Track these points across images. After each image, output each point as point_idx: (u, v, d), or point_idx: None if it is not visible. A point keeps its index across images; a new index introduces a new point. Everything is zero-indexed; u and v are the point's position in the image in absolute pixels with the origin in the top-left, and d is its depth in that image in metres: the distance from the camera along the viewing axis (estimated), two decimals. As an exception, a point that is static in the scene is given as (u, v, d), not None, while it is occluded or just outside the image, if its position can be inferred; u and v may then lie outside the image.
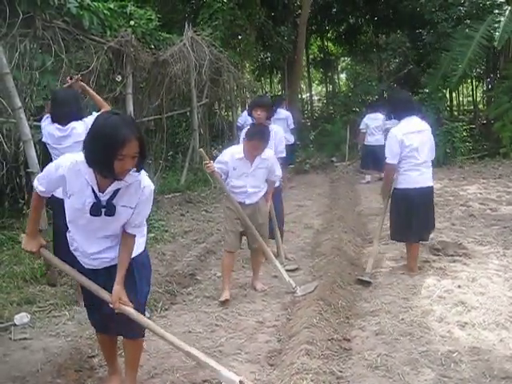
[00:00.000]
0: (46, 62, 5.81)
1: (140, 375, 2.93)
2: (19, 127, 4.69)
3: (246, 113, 6.60)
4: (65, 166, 2.40)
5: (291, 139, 9.35)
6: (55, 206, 3.82)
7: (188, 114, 10.35)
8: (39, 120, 4.40)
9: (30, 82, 5.68)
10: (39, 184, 2.53)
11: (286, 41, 15.61)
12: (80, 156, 2.37)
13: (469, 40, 11.97)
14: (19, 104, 4.64)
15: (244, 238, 4.52)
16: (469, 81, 17.85)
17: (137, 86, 8.33)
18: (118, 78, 7.45)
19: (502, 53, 13.12)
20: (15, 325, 3.63)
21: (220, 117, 11.76)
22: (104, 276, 2.59)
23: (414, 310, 3.70)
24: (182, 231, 6.56)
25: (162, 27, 9.29)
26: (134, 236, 2.56)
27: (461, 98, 22.37)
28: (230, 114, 12.16)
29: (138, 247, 2.63)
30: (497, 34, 11.58)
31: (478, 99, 19.47)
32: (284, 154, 5.27)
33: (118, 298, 2.49)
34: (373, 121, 10.31)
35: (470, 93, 21.03)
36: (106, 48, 6.95)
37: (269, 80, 22.77)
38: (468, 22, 13.08)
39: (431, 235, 5.01)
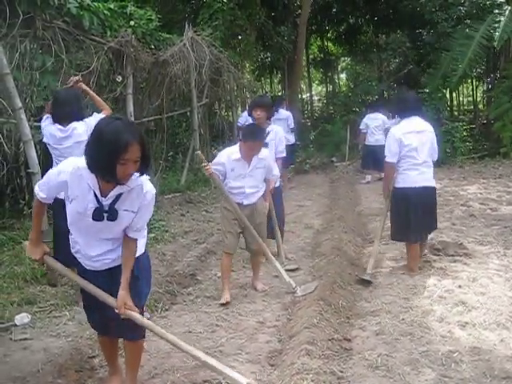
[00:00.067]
0: (47, 62, 5.81)
1: (140, 375, 2.93)
2: (19, 128, 4.69)
3: (246, 113, 6.59)
4: (67, 172, 2.40)
5: (291, 139, 9.35)
6: (56, 206, 3.81)
7: (188, 114, 10.34)
8: (39, 120, 4.40)
9: (30, 83, 5.67)
10: (40, 191, 2.53)
11: (286, 41, 15.60)
12: (82, 161, 2.37)
13: (469, 40, 11.97)
14: (19, 104, 4.64)
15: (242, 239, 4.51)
16: (469, 81, 17.86)
17: (137, 87, 8.33)
18: (119, 79, 7.45)
19: (502, 53, 13.13)
20: (16, 325, 3.63)
21: (220, 117, 11.75)
22: (105, 277, 2.59)
23: (414, 310, 3.70)
24: (183, 231, 6.56)
25: (162, 27, 9.28)
26: (136, 240, 2.56)
27: (461, 98, 22.39)
28: (230, 114, 12.15)
29: (139, 249, 2.63)
30: (497, 33, 11.58)
31: (478, 99, 19.48)
32: (284, 154, 5.28)
33: (123, 303, 2.50)
34: (373, 121, 10.32)
35: (470, 93, 21.05)
36: (106, 48, 6.95)
37: (269, 80, 22.76)
38: (468, 21, 13.08)
39: (431, 235, 5.02)
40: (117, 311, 2.50)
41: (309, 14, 15.54)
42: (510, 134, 11.54)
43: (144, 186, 2.45)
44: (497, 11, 12.42)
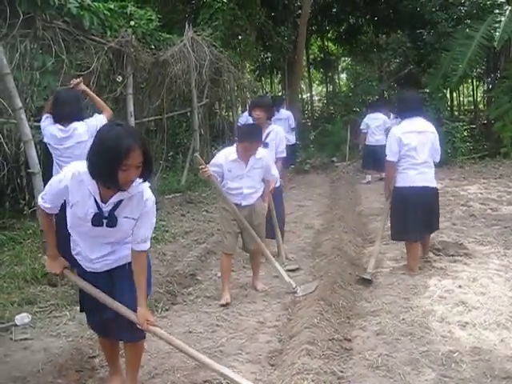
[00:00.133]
0: (47, 62, 5.81)
1: (141, 375, 2.93)
2: (20, 128, 4.69)
3: (246, 113, 6.60)
4: (68, 177, 2.40)
5: (292, 139, 9.34)
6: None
7: (188, 114, 10.35)
8: (39, 120, 4.40)
9: (30, 83, 5.68)
10: (44, 202, 2.53)
11: (287, 41, 15.60)
12: (83, 166, 2.37)
13: (469, 40, 11.97)
14: (20, 104, 4.65)
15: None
16: (469, 81, 17.88)
17: (137, 87, 8.33)
18: (119, 79, 7.45)
19: (502, 53, 13.12)
20: (16, 325, 3.63)
21: (220, 117, 11.75)
22: (105, 279, 2.60)
23: (414, 310, 3.70)
24: (183, 231, 6.56)
25: (162, 27, 9.28)
26: (145, 252, 2.55)
27: (461, 98, 22.40)
28: (231, 114, 12.15)
29: None
30: (497, 34, 11.58)
31: (479, 99, 19.49)
32: (285, 155, 5.28)
33: (144, 320, 2.53)
34: (374, 121, 10.31)
35: (471, 93, 21.07)
36: (106, 48, 6.95)
37: (269, 80, 22.76)
38: (468, 21, 13.08)
39: (431, 235, 5.02)
40: (139, 327, 2.54)
41: (309, 14, 15.53)
42: (511, 134, 11.54)
43: (144, 193, 2.45)
44: (497, 11, 12.42)
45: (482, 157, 12.07)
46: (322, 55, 22.36)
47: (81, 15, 6.18)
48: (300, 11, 16.33)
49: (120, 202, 2.43)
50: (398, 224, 4.66)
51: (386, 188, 4.79)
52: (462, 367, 2.89)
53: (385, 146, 4.75)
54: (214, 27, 11.07)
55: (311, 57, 22.35)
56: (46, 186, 2.54)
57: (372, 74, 17.50)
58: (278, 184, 5.09)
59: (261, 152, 4.26)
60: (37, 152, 4.81)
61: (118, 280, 2.60)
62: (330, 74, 23.63)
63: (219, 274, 4.70)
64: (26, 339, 3.50)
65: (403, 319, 3.55)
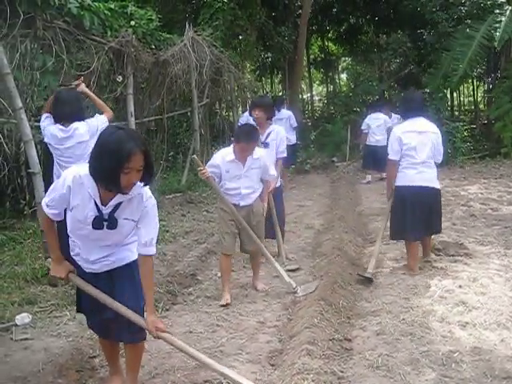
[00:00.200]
0: (47, 62, 5.81)
1: (141, 375, 2.93)
2: (20, 128, 4.70)
3: (247, 113, 6.60)
4: (69, 180, 2.41)
5: (293, 139, 9.33)
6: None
7: (189, 114, 10.34)
8: (40, 120, 4.40)
9: (30, 83, 5.68)
10: (50, 209, 2.51)
11: (287, 41, 15.59)
12: (83, 169, 2.38)
13: (469, 40, 11.96)
14: (20, 104, 4.65)
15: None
16: (469, 81, 17.85)
17: (137, 87, 8.33)
18: (119, 79, 7.45)
19: (502, 53, 13.11)
20: (16, 325, 3.63)
21: (221, 117, 11.75)
22: (105, 280, 2.60)
23: (414, 310, 3.70)
24: (183, 231, 6.57)
25: (162, 27, 9.28)
26: (151, 257, 2.54)
27: (462, 98, 22.38)
28: (231, 114, 12.15)
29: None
30: (497, 34, 11.57)
31: (479, 99, 19.47)
32: (285, 155, 5.27)
33: (154, 327, 2.54)
34: (375, 121, 10.31)
35: (471, 93, 21.04)
36: (106, 48, 6.95)
37: (269, 80, 22.75)
38: (469, 21, 13.06)
39: (432, 236, 5.01)
40: (150, 335, 2.57)
41: (309, 14, 15.52)
42: (511, 134, 11.54)
43: (144, 194, 2.46)
44: (497, 11, 12.41)
45: (483, 157, 12.07)
46: (322, 55, 22.34)
47: (81, 15, 6.18)
48: (300, 11, 16.31)
49: (120, 203, 2.44)
50: (396, 223, 4.68)
51: (388, 187, 4.79)
52: (462, 367, 2.89)
53: (385, 146, 4.77)
54: (214, 27, 11.07)
55: (311, 57, 22.32)
56: (49, 192, 2.53)
57: (372, 74, 17.49)
58: (278, 184, 5.10)
59: (258, 152, 4.25)
60: (37, 152, 4.82)
61: (117, 280, 2.60)
62: (330, 74, 23.60)
63: (219, 274, 4.70)
64: (26, 339, 3.50)
65: (403, 319, 3.55)
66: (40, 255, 4.99)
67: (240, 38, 13.63)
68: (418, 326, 3.42)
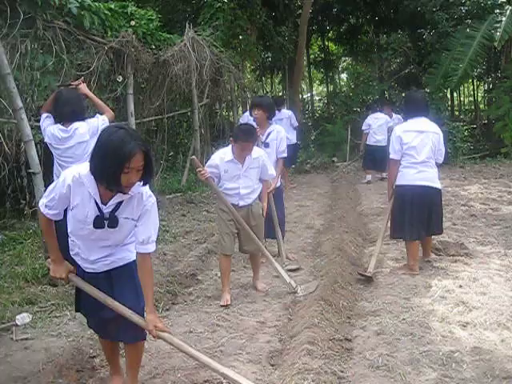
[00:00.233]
0: (47, 62, 5.81)
1: (141, 375, 2.93)
2: (20, 128, 4.70)
3: (247, 113, 6.60)
4: (69, 180, 2.41)
5: (293, 139, 9.33)
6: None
7: (189, 114, 10.35)
8: (40, 120, 4.40)
9: (30, 83, 5.68)
10: (48, 209, 2.49)
11: (287, 41, 15.60)
12: (82, 168, 2.39)
13: (470, 40, 11.97)
14: (20, 104, 4.65)
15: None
16: (470, 81, 17.84)
17: (138, 87, 8.33)
18: (119, 79, 7.45)
19: (502, 52, 13.14)
20: (17, 325, 3.63)
21: (221, 117, 11.76)
22: (105, 279, 2.60)
23: (415, 310, 3.69)
24: (183, 231, 6.57)
25: (162, 27, 9.27)
26: (149, 255, 2.55)
27: (462, 98, 22.36)
28: (231, 114, 12.16)
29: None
30: (497, 33, 11.58)
31: (479, 99, 19.47)
32: (286, 154, 5.26)
33: (153, 326, 2.54)
34: (376, 120, 10.30)
35: (471, 93, 21.03)
36: (106, 48, 6.95)
37: (270, 80, 22.74)
38: (469, 21, 13.09)
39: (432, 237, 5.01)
40: (150, 335, 2.57)
41: (309, 14, 15.54)
42: (511, 133, 11.55)
43: (144, 193, 2.47)
44: (498, 11, 12.43)
45: (483, 157, 12.08)
46: (322, 55, 22.33)
47: (81, 15, 6.18)
48: (300, 11, 16.33)
49: (120, 203, 2.44)
50: (395, 222, 4.69)
51: (389, 187, 4.79)
52: (462, 367, 2.89)
53: (385, 146, 4.77)
54: (214, 27, 11.06)
55: (312, 57, 22.31)
56: (47, 193, 2.51)
57: (372, 74, 17.50)
58: (278, 184, 5.09)
59: (257, 151, 4.25)
60: (37, 152, 4.82)
61: (117, 280, 2.60)
62: (330, 74, 23.58)
63: (220, 274, 4.71)
64: (26, 339, 3.50)
65: (404, 319, 3.55)
66: (40, 255, 4.99)
67: (240, 37, 13.61)
68: (419, 326, 3.42)
